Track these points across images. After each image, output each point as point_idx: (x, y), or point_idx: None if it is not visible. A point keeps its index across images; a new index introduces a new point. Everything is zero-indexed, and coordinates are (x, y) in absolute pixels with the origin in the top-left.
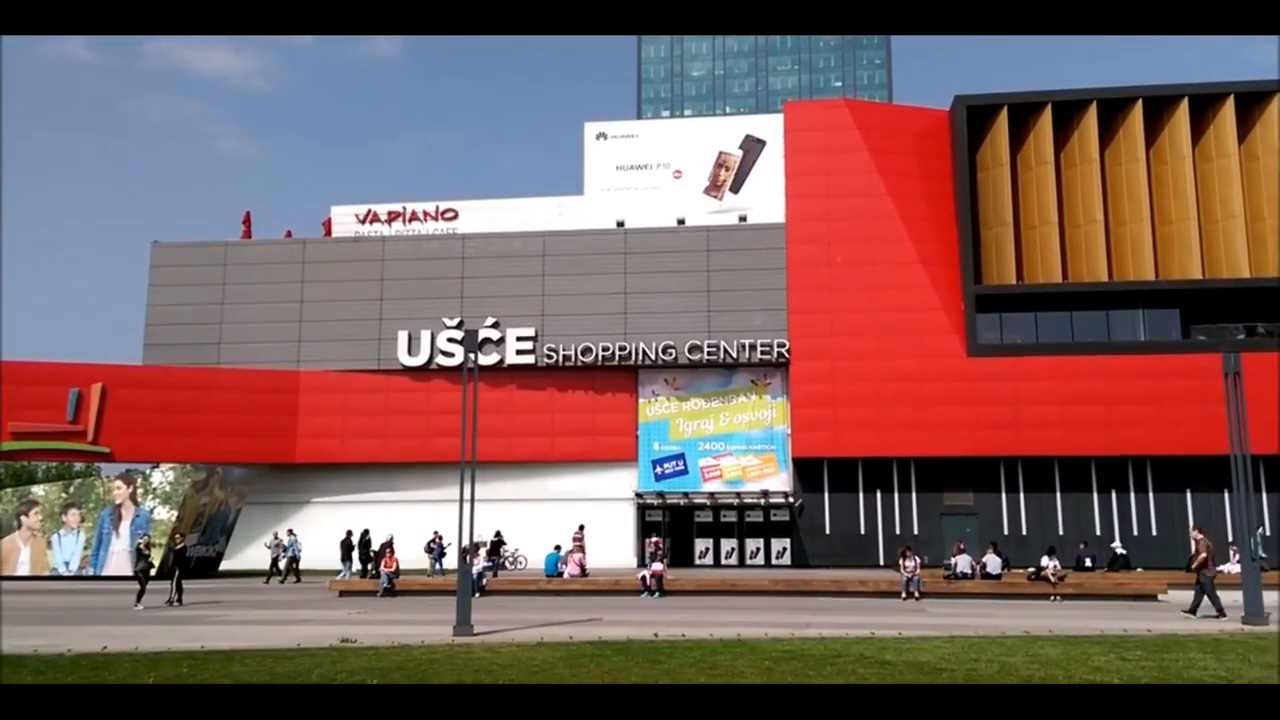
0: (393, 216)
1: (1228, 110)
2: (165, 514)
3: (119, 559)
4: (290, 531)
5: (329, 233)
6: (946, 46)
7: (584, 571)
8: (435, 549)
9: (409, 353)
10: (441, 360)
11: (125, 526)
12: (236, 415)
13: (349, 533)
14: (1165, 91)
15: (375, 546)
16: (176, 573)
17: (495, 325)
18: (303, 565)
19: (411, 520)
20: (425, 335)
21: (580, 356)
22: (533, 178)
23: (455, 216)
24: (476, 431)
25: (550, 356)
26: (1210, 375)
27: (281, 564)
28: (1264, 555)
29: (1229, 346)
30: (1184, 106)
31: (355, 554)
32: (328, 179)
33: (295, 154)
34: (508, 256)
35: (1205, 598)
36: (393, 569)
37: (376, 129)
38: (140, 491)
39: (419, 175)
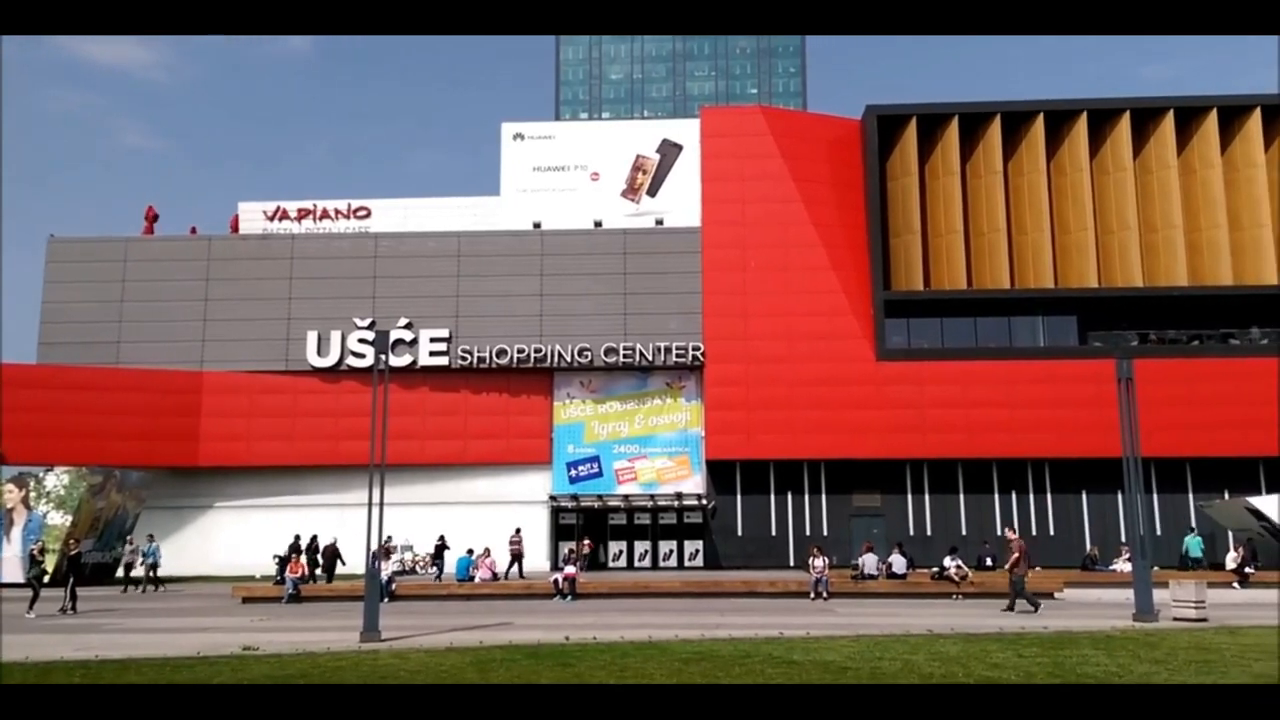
0: (303, 214)
1: (1124, 125)
2: (60, 519)
3: (11, 565)
4: (150, 537)
5: (236, 230)
6: (860, 56)
7: (496, 576)
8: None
9: (318, 353)
10: (352, 361)
11: (17, 532)
12: (136, 417)
13: (297, 537)
14: (1065, 106)
15: (362, 550)
16: (71, 580)
17: (408, 326)
18: (210, 571)
19: (319, 525)
20: (335, 336)
21: (495, 358)
22: (448, 178)
23: (368, 215)
24: (387, 434)
25: (464, 358)
26: (1105, 380)
27: (140, 571)
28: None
29: (1123, 353)
30: (1083, 121)
31: (304, 559)
32: (235, 175)
33: (201, 149)
34: (422, 256)
35: (1022, 597)
36: (298, 574)
37: (287, 125)
38: (33, 495)
39: (331, 173)
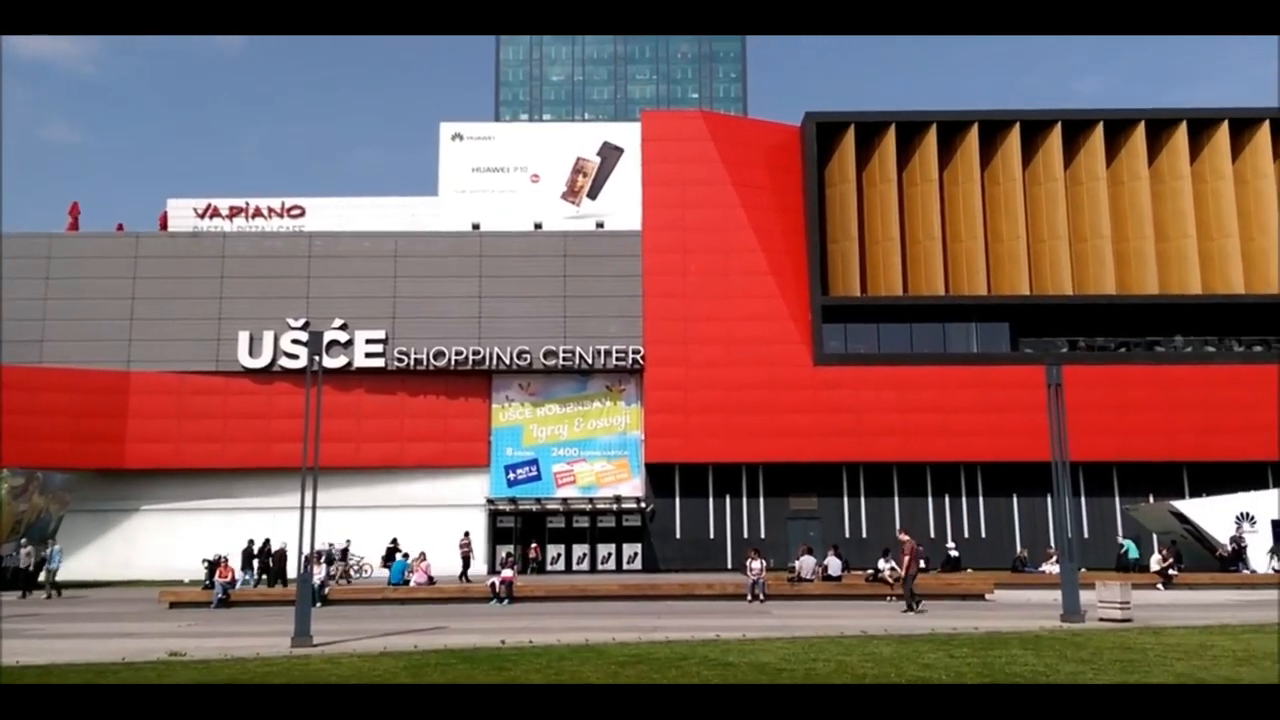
0: (235, 212)
1: (1055, 137)
2: None
3: None
4: (52, 539)
5: (165, 227)
6: (801, 63)
7: (432, 580)
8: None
9: (250, 354)
10: (285, 362)
11: None
12: (60, 417)
13: (250, 541)
14: (999, 117)
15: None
16: None
17: (343, 327)
18: (136, 576)
19: (250, 529)
20: (268, 336)
21: (432, 360)
22: (386, 178)
23: (302, 214)
24: (319, 436)
25: (401, 360)
26: (1036, 386)
27: (42, 575)
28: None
29: (1053, 359)
30: (1016, 132)
31: (255, 563)
32: (164, 171)
33: (129, 144)
34: (358, 257)
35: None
36: (228, 579)
37: (219, 122)
38: None
39: (264, 171)
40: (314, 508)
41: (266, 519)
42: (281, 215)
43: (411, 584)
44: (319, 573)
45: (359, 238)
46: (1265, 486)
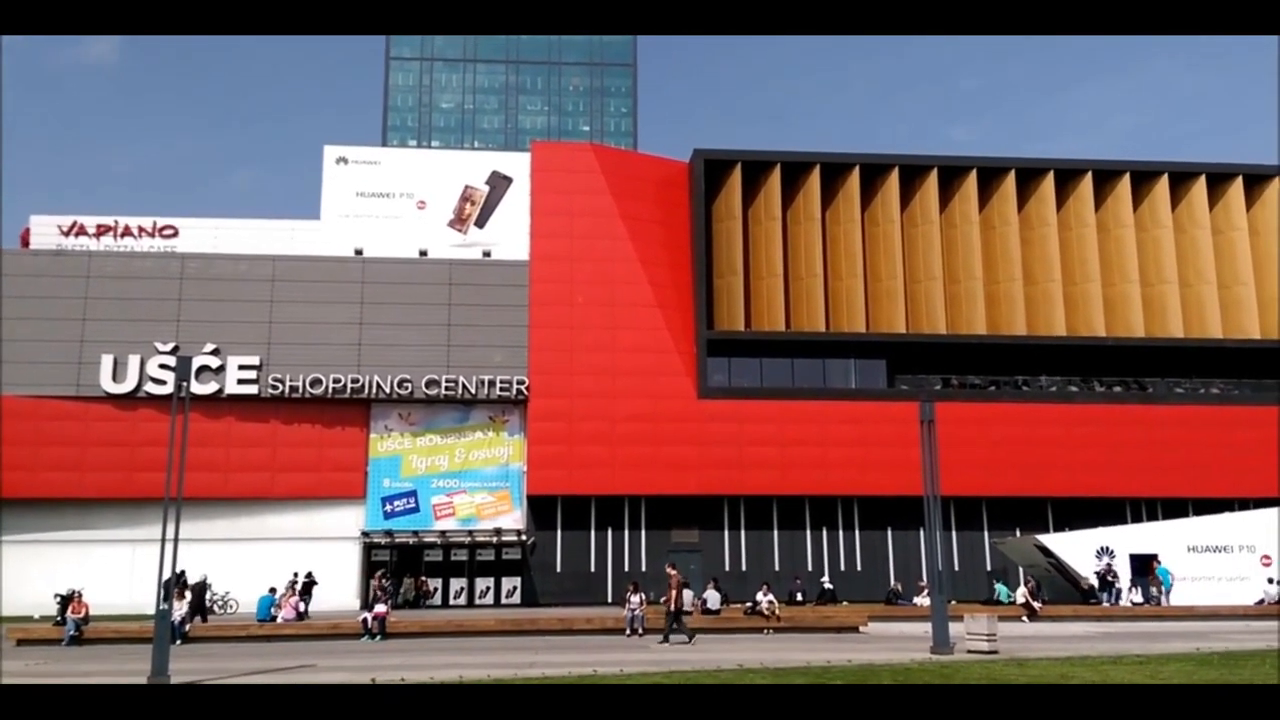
0: (102, 230)
1: (931, 182)
2: None
3: None
4: None
5: (27, 244)
6: (691, 100)
7: (300, 615)
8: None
9: (114, 379)
10: (151, 388)
11: None
12: None
13: (182, 572)
14: (878, 160)
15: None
16: None
17: (215, 352)
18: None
19: (108, 562)
20: (134, 361)
21: (309, 388)
22: (266, 200)
23: (175, 234)
24: (185, 465)
25: (275, 387)
26: (910, 421)
27: None
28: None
29: (926, 396)
30: (895, 176)
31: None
32: (28, 186)
33: None
34: (233, 280)
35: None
36: (81, 615)
37: (87, 136)
38: None
39: (136, 189)
40: (176, 540)
41: (126, 552)
42: (153, 235)
43: (279, 620)
44: (179, 608)
45: (235, 260)
46: (1124, 521)
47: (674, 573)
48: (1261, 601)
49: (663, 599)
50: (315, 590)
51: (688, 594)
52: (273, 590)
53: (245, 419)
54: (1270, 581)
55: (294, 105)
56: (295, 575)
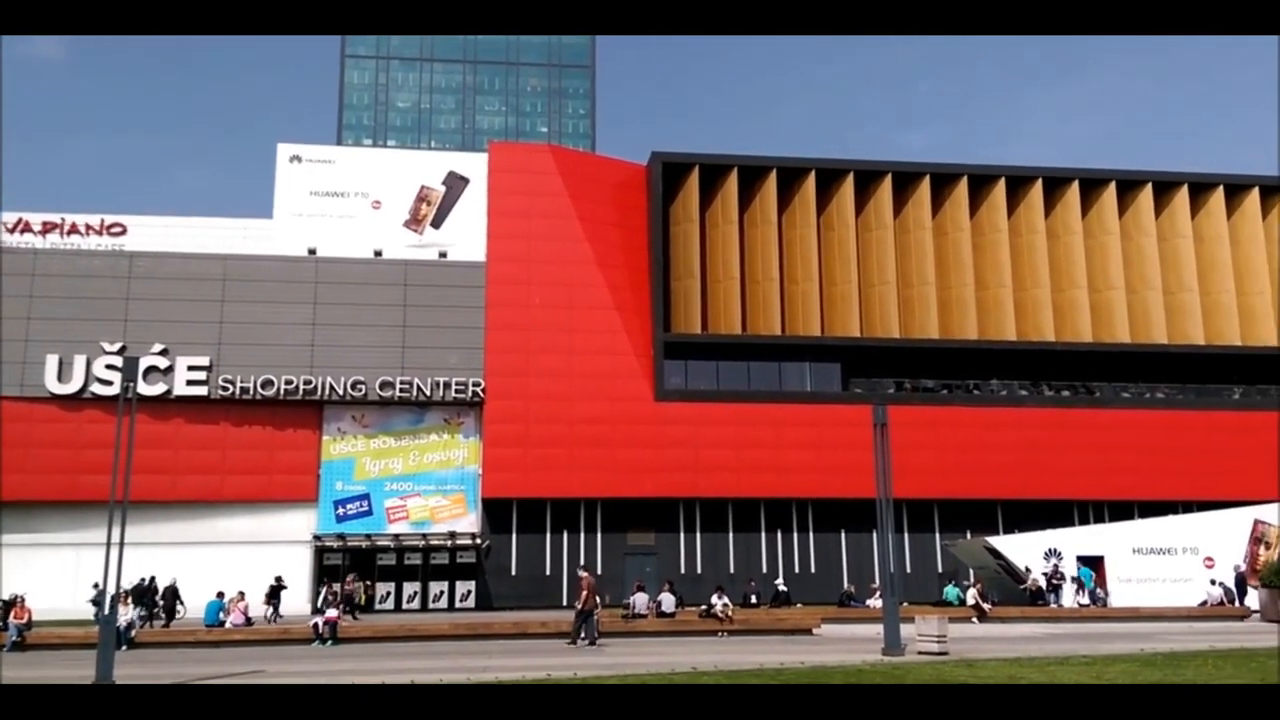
0: (48, 227)
1: (885, 187)
2: None
3: None
4: None
5: None
6: (650, 102)
7: (249, 620)
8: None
9: (59, 379)
10: (97, 389)
11: None
12: None
13: (142, 579)
14: (834, 165)
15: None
16: None
17: (164, 353)
18: None
19: (52, 566)
20: (80, 361)
21: (260, 389)
22: (217, 198)
23: (123, 232)
24: (131, 468)
25: (226, 388)
26: (865, 425)
27: None
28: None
29: (880, 399)
30: (850, 181)
31: (143, 600)
32: None
33: None
34: (183, 279)
35: (588, 629)
36: (24, 620)
37: (34, 133)
38: None
39: (83, 187)
40: (122, 544)
41: (70, 556)
42: (100, 233)
43: (227, 625)
44: (125, 614)
45: (185, 259)
46: (1071, 523)
47: (585, 575)
48: (1204, 603)
49: (577, 602)
50: (255, 596)
51: (642, 596)
52: (221, 595)
53: (194, 421)
54: (1213, 583)
55: (247, 103)
56: (279, 579)
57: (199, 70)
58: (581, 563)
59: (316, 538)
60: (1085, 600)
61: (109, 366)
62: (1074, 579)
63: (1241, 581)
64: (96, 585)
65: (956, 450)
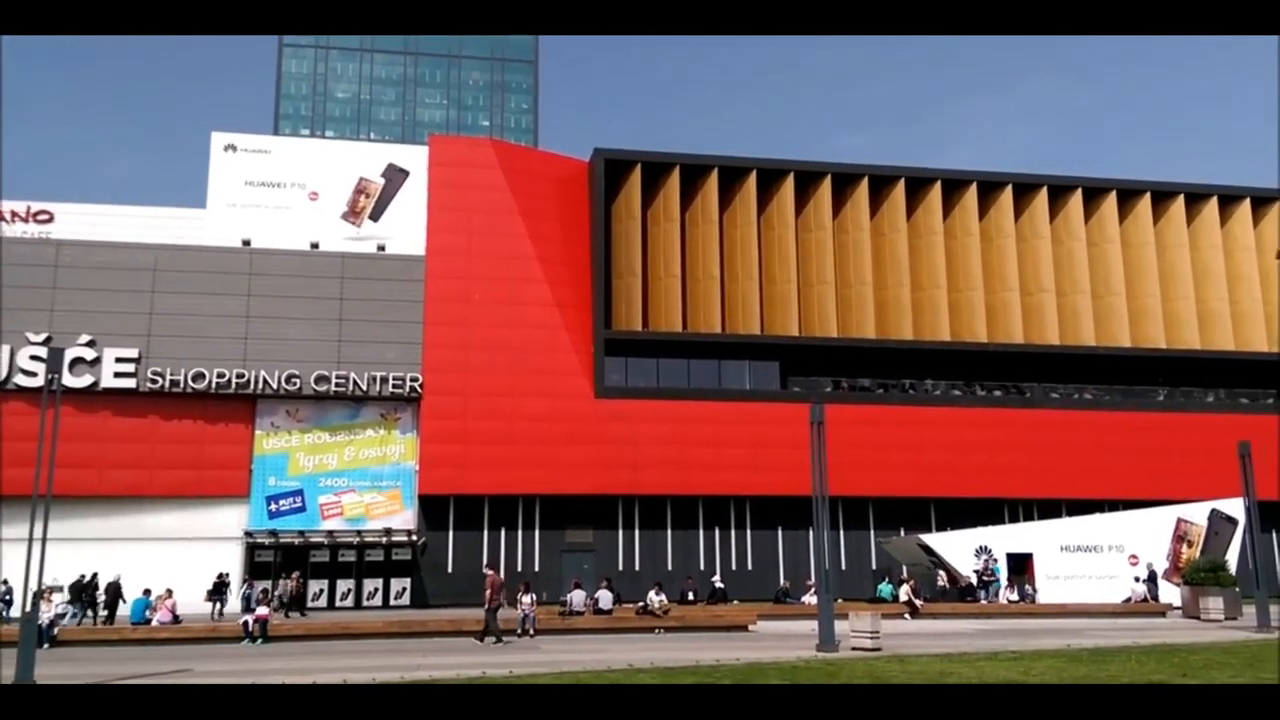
0: None
1: (825, 188)
2: None
3: None
4: None
5: None
6: (592, 98)
7: (178, 618)
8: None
9: None
10: (21, 380)
11: None
12: None
13: (82, 575)
14: (775, 165)
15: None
16: None
17: (91, 344)
18: None
19: None
20: (3, 351)
21: (191, 383)
22: (149, 187)
23: (50, 220)
24: (55, 461)
25: (155, 381)
26: (802, 423)
27: None
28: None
29: (817, 398)
30: (790, 181)
31: (83, 596)
32: None
33: None
34: (112, 269)
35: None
36: None
37: None
38: None
39: (8, 173)
40: (44, 539)
41: None
42: (26, 220)
43: (154, 623)
44: (47, 610)
45: (114, 249)
46: (1002, 521)
47: (491, 573)
48: (1129, 599)
49: (483, 600)
50: (184, 594)
51: (579, 594)
52: (147, 592)
53: (122, 414)
54: (1137, 580)
55: (181, 91)
56: (222, 576)
57: (131, 56)
58: (519, 561)
59: (248, 534)
60: (1014, 596)
61: (33, 358)
62: (978, 573)
63: (1153, 578)
64: (5, 581)
65: (892, 449)
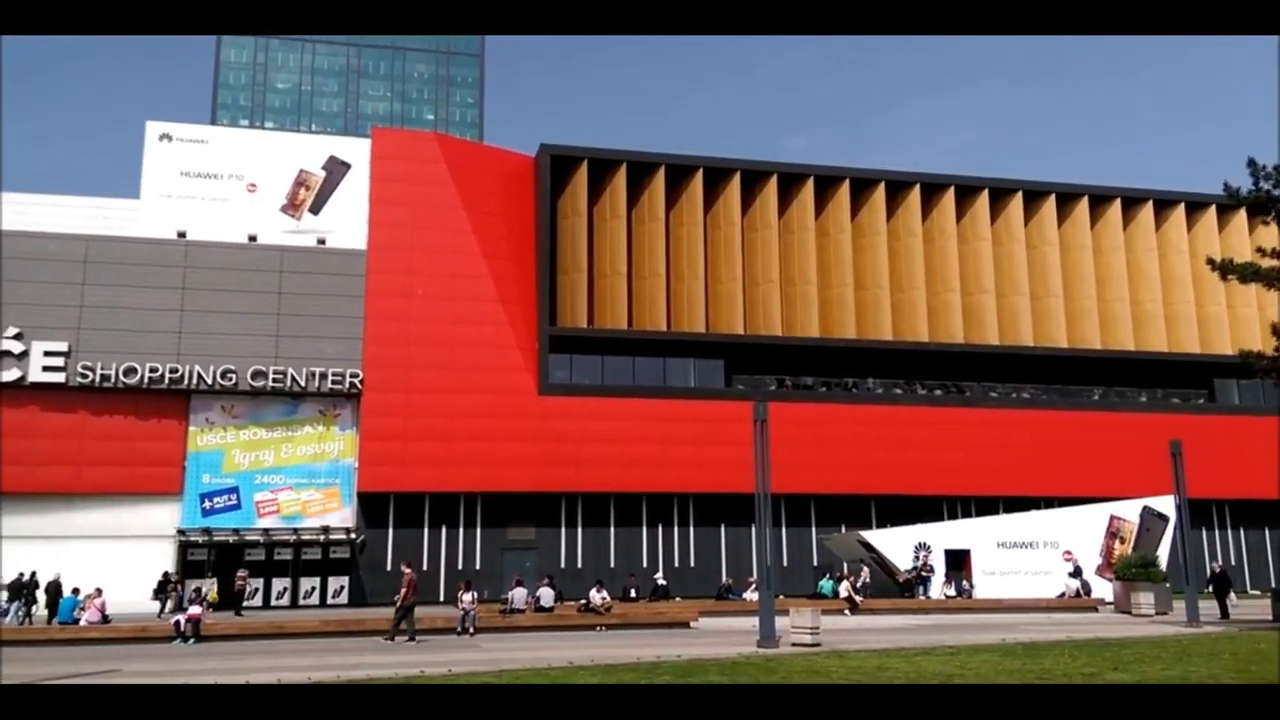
0: None
1: (771, 187)
2: None
3: None
4: None
5: None
6: (538, 93)
7: (106, 618)
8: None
9: None
10: None
11: None
12: None
13: (20, 574)
14: (722, 164)
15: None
16: None
17: (18, 337)
18: None
19: None
20: None
21: (122, 377)
22: (79, 178)
23: None
24: None
25: (85, 375)
26: (746, 421)
27: None
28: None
29: (761, 396)
30: (736, 180)
31: (23, 595)
32: None
33: None
34: (40, 260)
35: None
36: None
37: None
38: None
39: None
40: None
41: None
42: None
43: (82, 623)
44: None
45: (43, 239)
46: (941, 518)
47: (408, 571)
48: (1063, 594)
49: (396, 598)
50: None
51: (520, 591)
52: (76, 591)
53: (51, 409)
54: (1071, 575)
55: (114, 78)
56: (168, 574)
57: (63, 42)
58: (460, 558)
59: (180, 532)
60: (952, 592)
61: None
62: (914, 570)
63: (1079, 573)
64: None
65: (834, 446)
